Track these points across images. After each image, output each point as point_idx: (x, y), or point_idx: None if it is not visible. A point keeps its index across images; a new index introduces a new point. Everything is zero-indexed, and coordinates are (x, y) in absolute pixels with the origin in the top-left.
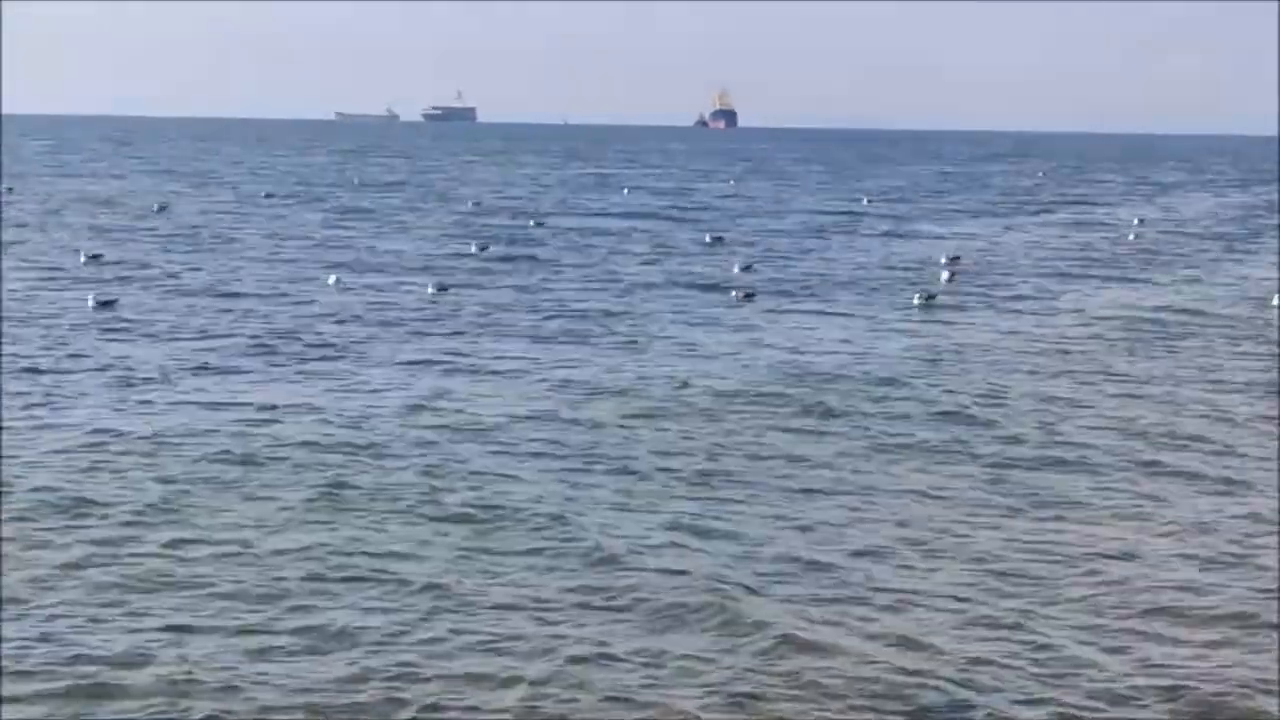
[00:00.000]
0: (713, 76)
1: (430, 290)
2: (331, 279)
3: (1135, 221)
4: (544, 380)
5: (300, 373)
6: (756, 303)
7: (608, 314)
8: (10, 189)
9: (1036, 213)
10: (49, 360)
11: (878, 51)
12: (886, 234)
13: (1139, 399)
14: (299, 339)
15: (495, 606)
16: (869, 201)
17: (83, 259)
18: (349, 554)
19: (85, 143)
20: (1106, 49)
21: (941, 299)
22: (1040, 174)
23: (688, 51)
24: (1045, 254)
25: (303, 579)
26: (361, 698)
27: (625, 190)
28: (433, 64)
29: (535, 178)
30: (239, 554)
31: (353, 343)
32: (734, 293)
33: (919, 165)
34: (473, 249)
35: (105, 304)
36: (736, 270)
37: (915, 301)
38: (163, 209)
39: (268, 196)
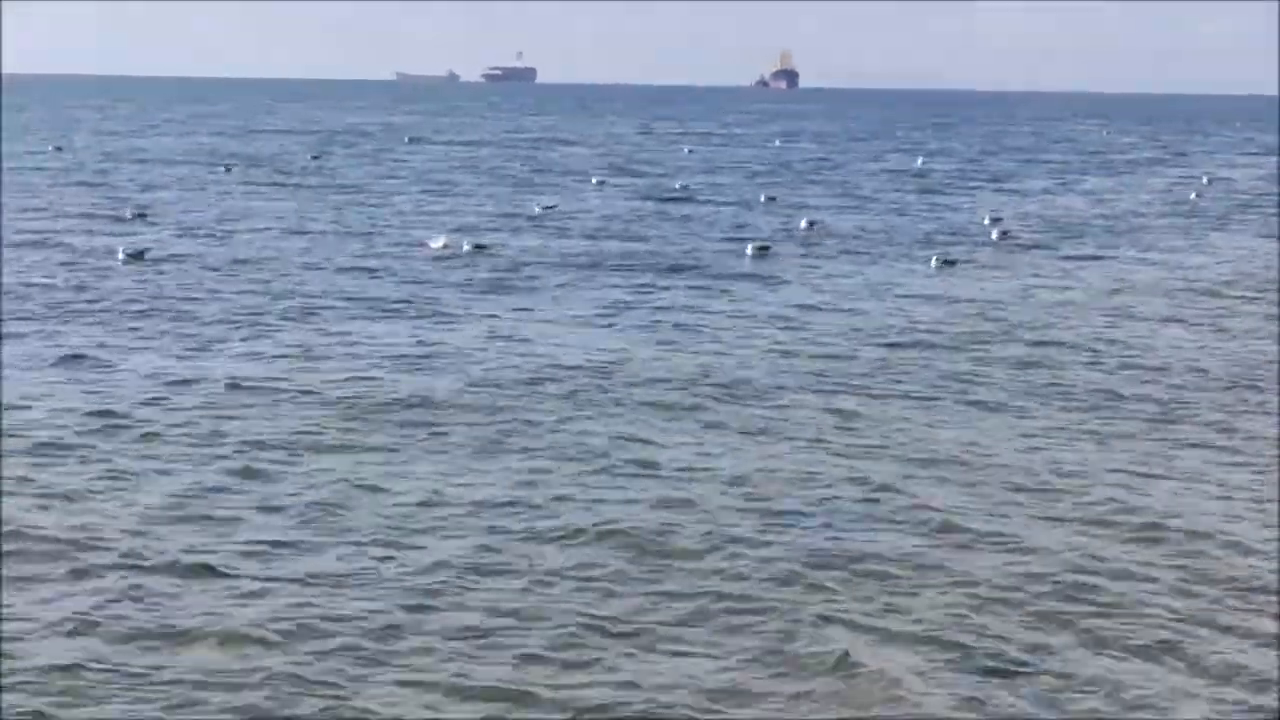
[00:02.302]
0: (772, 36)
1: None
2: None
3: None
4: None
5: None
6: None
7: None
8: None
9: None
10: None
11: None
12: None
13: None
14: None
15: None
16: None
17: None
18: None
19: (164, 106)
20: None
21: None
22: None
23: (746, 10)
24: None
25: None
26: None
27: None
28: (489, 23)
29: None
30: None
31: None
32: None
33: (1000, 126)
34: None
35: (135, 255)
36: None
37: (932, 265)
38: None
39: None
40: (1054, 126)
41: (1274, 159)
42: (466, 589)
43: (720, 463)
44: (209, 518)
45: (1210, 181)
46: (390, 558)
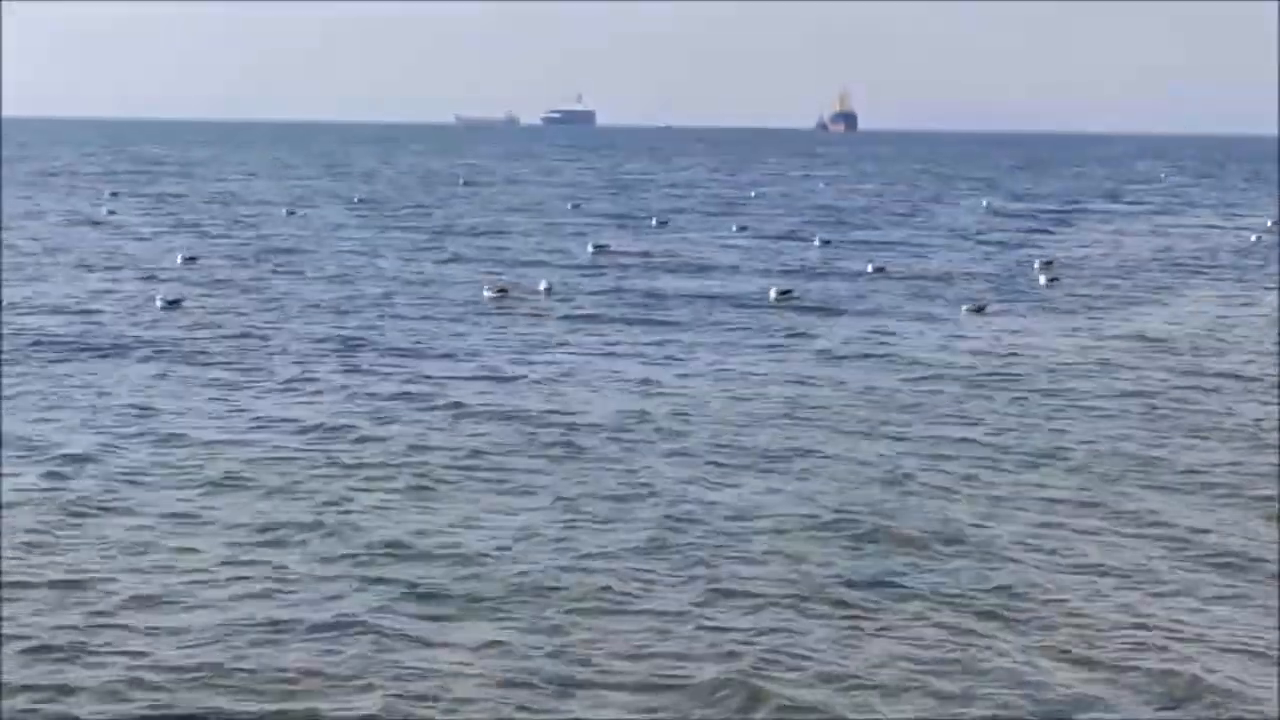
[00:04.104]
0: (832, 78)
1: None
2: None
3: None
4: None
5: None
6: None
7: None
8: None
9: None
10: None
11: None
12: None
13: None
14: None
15: None
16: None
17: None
18: None
19: (252, 149)
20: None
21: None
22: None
23: (805, 52)
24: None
25: None
26: None
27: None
28: (549, 66)
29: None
30: None
31: None
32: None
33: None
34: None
35: (171, 303)
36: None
37: (963, 312)
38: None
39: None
40: (1128, 168)
41: None
42: None
43: None
44: None
45: (1274, 224)
46: None
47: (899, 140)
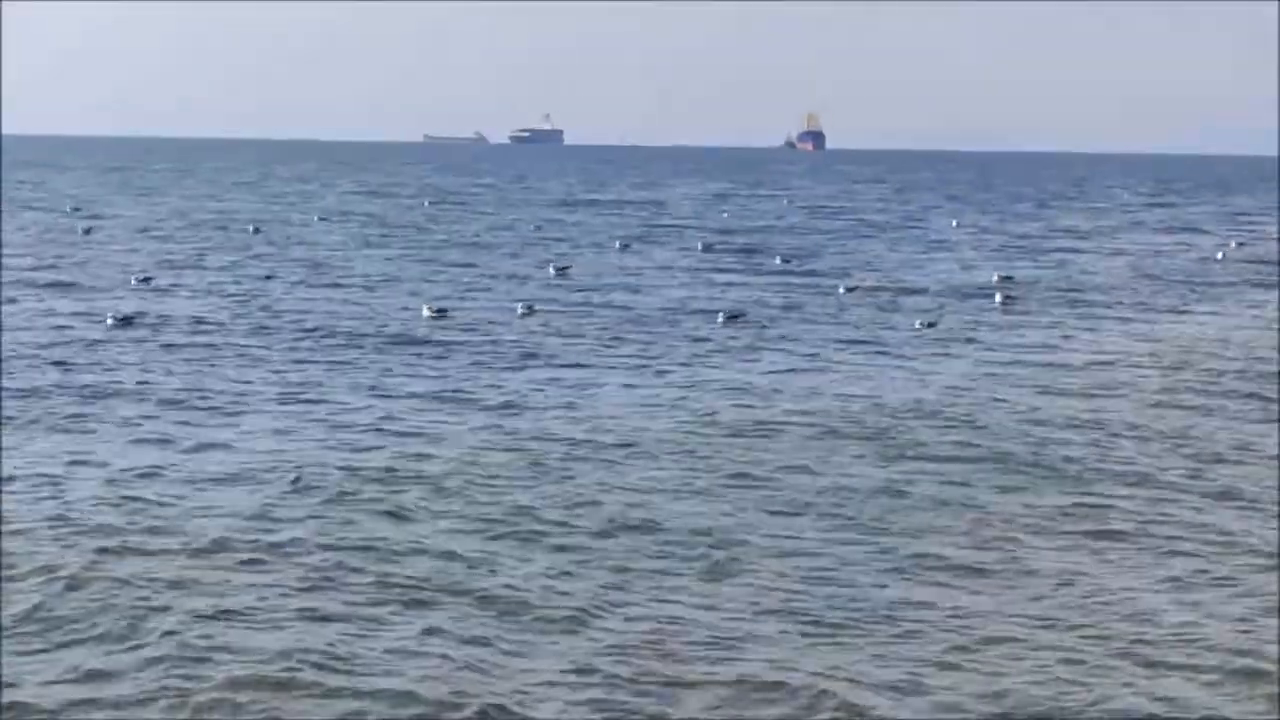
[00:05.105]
0: (800, 97)
1: None
2: None
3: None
4: None
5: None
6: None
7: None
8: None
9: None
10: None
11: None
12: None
13: None
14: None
15: None
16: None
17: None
18: None
19: (237, 168)
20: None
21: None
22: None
23: (773, 69)
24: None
25: None
26: None
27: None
28: (517, 86)
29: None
30: None
31: None
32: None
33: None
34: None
35: (124, 320)
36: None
37: (917, 325)
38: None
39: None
40: (1095, 187)
41: None
42: None
43: None
44: None
45: (1239, 245)
46: None
47: (868, 158)
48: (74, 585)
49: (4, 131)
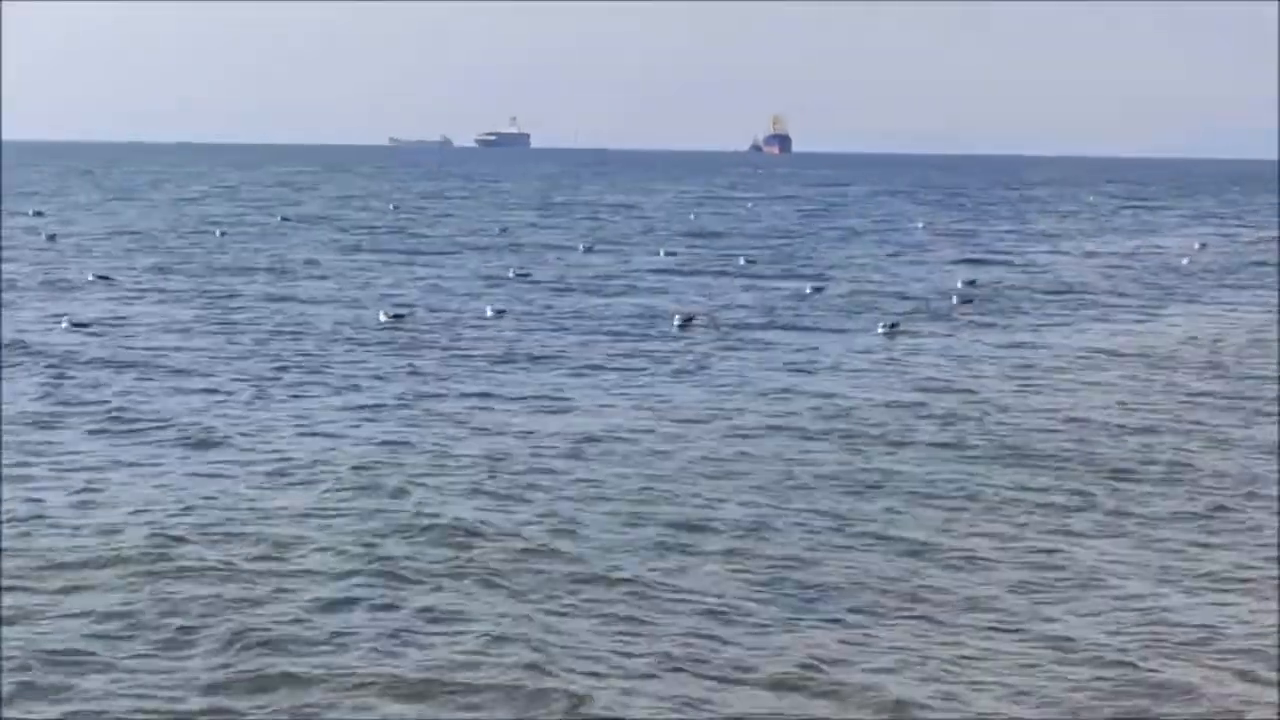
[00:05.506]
0: (766, 100)
1: None
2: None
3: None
4: None
5: None
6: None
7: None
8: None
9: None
10: None
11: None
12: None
13: None
14: None
15: None
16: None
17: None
18: None
19: (213, 172)
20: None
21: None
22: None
23: (738, 69)
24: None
25: None
26: None
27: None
28: (483, 89)
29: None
30: None
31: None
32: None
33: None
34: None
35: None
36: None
37: (880, 330)
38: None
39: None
40: (1069, 191)
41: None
42: None
43: None
44: None
45: (1203, 246)
46: None
47: (835, 161)
48: None
49: (4, 136)
